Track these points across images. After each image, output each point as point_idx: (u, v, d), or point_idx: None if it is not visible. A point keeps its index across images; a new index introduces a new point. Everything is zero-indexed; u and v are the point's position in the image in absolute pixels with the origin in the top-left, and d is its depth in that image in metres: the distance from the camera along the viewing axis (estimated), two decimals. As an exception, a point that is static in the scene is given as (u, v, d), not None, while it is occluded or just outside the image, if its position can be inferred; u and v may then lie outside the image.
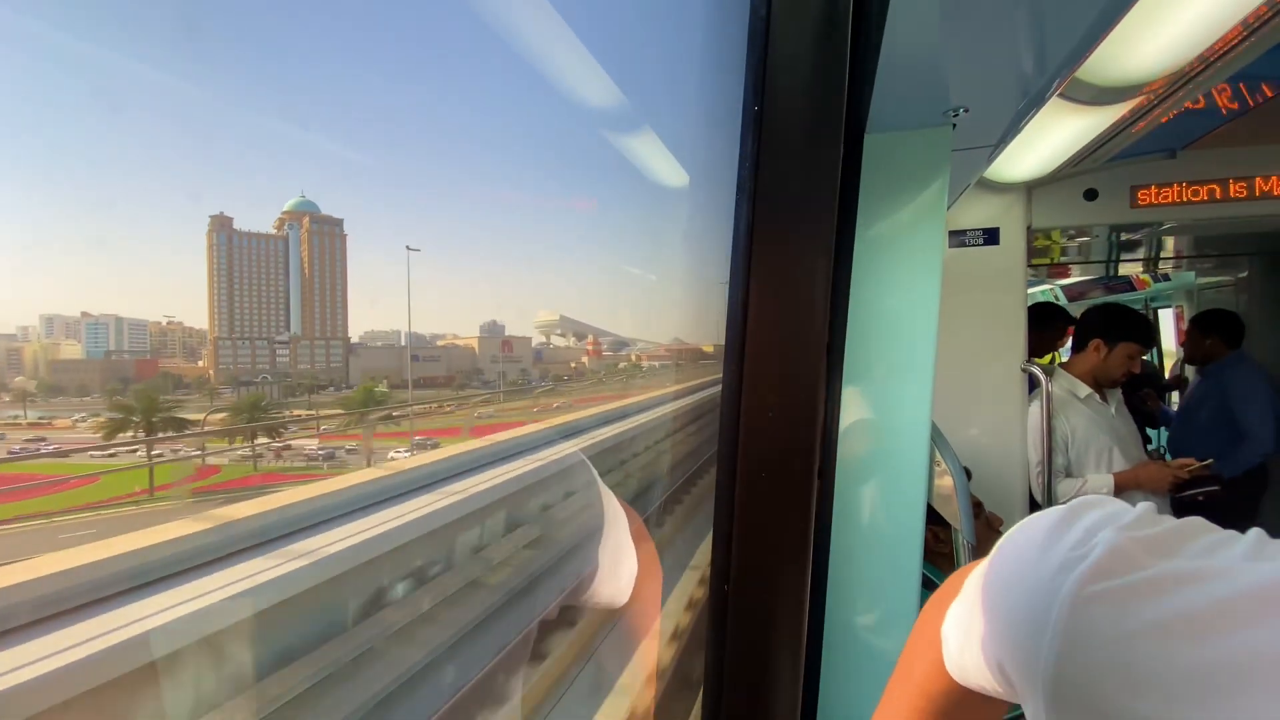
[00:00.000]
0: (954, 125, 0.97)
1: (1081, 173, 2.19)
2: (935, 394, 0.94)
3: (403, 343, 1.49)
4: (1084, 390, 2.29)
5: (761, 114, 0.61)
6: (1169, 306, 4.97)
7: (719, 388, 0.66)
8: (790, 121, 0.61)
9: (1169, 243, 3.08)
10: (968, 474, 1.99)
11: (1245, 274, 3.57)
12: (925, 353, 0.95)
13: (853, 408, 0.97)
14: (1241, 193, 2.15)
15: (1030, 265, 2.54)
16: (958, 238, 2.20)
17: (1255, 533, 0.35)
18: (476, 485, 0.84)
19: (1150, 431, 3.73)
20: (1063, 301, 5.06)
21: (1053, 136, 1.71)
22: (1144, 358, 2.41)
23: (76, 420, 1.05)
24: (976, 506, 1.75)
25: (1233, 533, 0.35)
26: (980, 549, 1.31)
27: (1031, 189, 2.21)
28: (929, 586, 1.18)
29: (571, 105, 0.99)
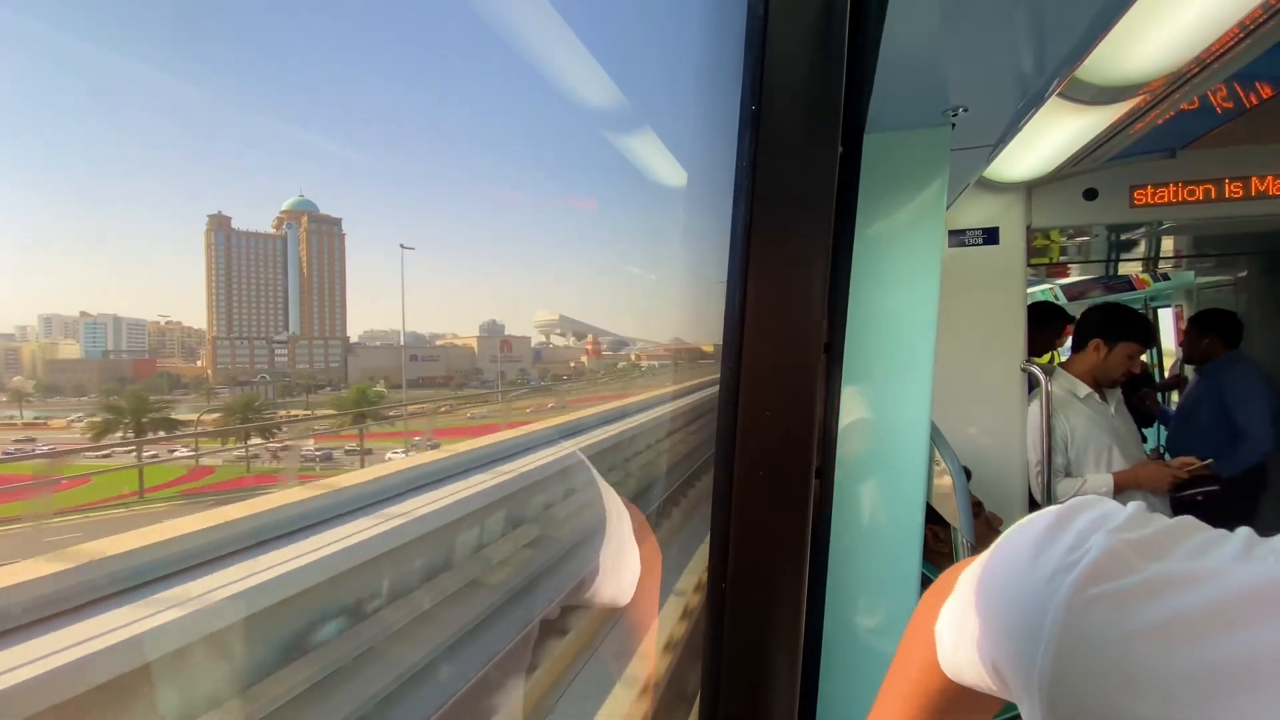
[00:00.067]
0: (953, 125, 0.97)
1: (1081, 172, 2.19)
2: (935, 393, 0.94)
3: (400, 342, 1.49)
4: (1084, 390, 2.29)
5: (758, 113, 0.61)
6: (1168, 306, 4.97)
7: (718, 387, 0.66)
8: (787, 121, 0.61)
9: (1168, 242, 3.08)
10: (967, 473, 1.99)
11: (1244, 273, 3.57)
12: (924, 352, 0.95)
13: (852, 407, 0.97)
14: (1240, 192, 2.15)
15: (1030, 265, 2.54)
16: (957, 237, 2.20)
17: (1244, 532, 0.35)
18: (470, 488, 0.83)
19: (1147, 431, 3.73)
20: (1062, 301, 5.06)
21: (1052, 136, 1.71)
22: (1142, 358, 2.41)
23: (72, 420, 1.05)
24: (976, 506, 1.75)
25: (1222, 531, 0.35)
26: (979, 548, 1.31)
27: (1031, 188, 2.21)
28: (928, 586, 1.18)
29: (569, 104, 0.99)
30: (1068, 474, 2.25)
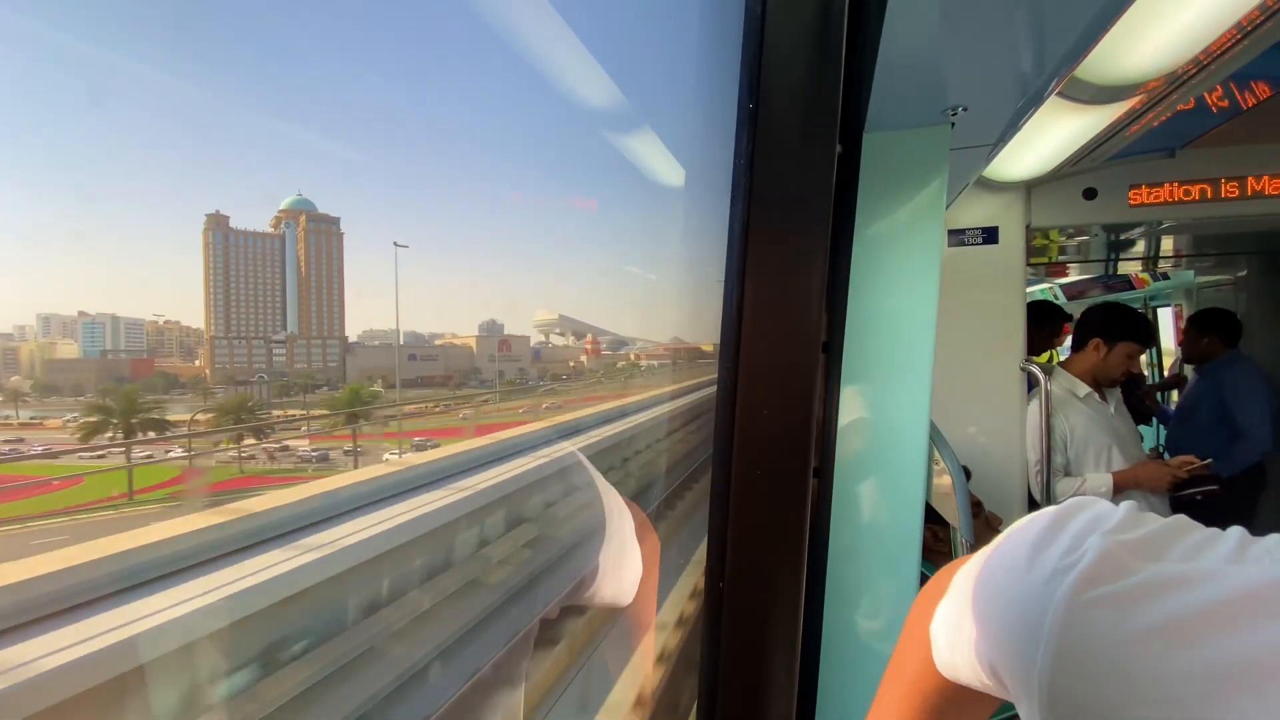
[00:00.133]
0: (952, 124, 0.97)
1: (1080, 172, 2.19)
2: (934, 393, 0.94)
3: (401, 341, 1.49)
4: (1083, 389, 2.29)
5: (756, 112, 0.61)
6: (1168, 305, 4.98)
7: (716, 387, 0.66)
8: (785, 120, 0.61)
9: (1167, 242, 3.08)
10: (966, 473, 1.99)
11: (1244, 273, 3.57)
12: (924, 352, 0.95)
13: (851, 407, 0.97)
14: (1239, 192, 2.15)
15: (1029, 264, 2.54)
16: (957, 237, 2.20)
17: (1237, 532, 0.35)
18: (462, 490, 0.83)
19: (1143, 429, 3.73)
20: (1062, 300, 5.06)
21: (1051, 135, 1.71)
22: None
23: (67, 421, 1.05)
24: (976, 505, 1.75)
25: (1215, 531, 0.36)
26: (978, 548, 1.31)
27: (1030, 188, 2.21)
28: (927, 586, 1.18)
29: (567, 103, 0.99)
30: (1067, 473, 2.25)
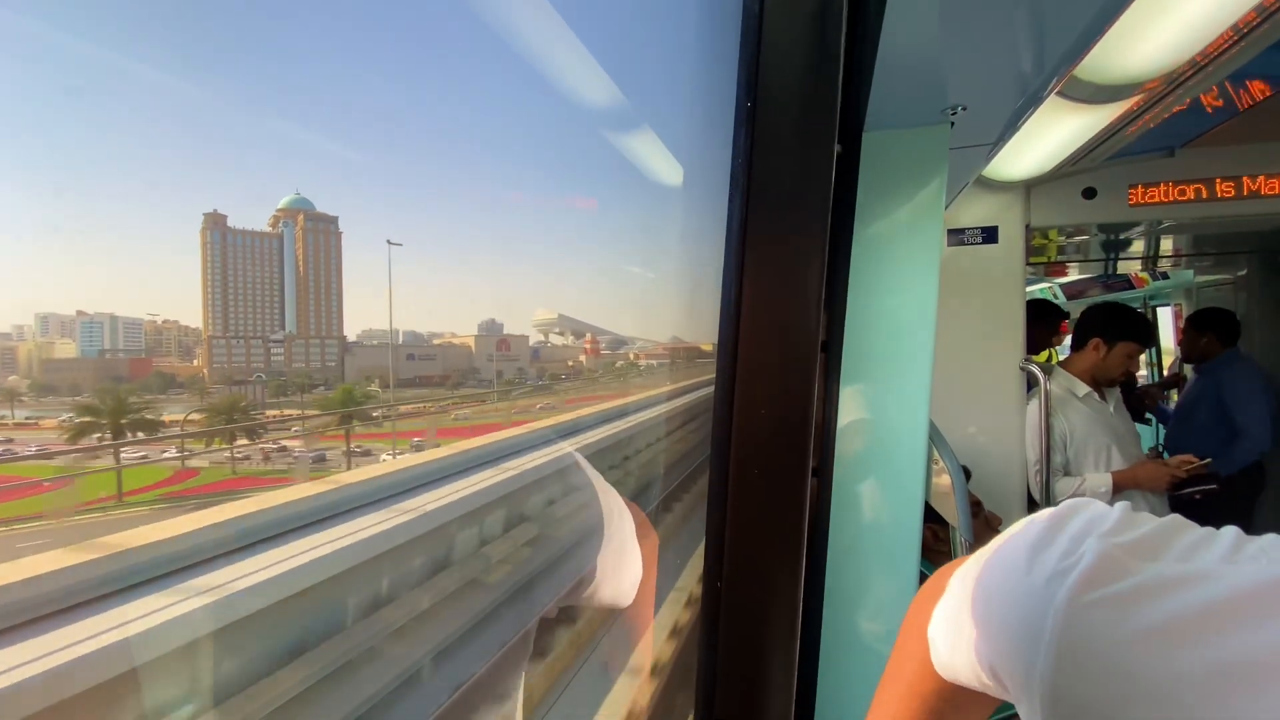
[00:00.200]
0: (952, 123, 0.97)
1: (1080, 171, 2.19)
2: (933, 392, 0.94)
3: (400, 341, 1.49)
4: (1083, 389, 2.29)
5: (754, 111, 0.61)
6: (1167, 305, 4.97)
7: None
8: (783, 119, 0.61)
9: (1167, 241, 3.08)
10: (966, 473, 1.99)
11: (1244, 272, 3.57)
12: (923, 351, 0.95)
13: (851, 406, 0.97)
14: (1240, 191, 2.15)
15: (1028, 264, 2.54)
16: (956, 236, 2.20)
17: (1232, 531, 0.35)
18: (455, 493, 0.83)
19: (1143, 430, 3.73)
20: (1061, 300, 5.06)
21: (1051, 135, 1.71)
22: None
23: (63, 421, 1.04)
24: (975, 505, 1.75)
25: (1210, 530, 0.36)
26: (978, 547, 1.31)
27: (1030, 187, 2.21)
28: (926, 585, 1.17)
29: (565, 101, 0.98)
30: (1066, 473, 2.25)
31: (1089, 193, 2.25)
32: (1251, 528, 0.35)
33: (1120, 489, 2.20)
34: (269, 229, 1.42)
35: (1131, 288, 4.77)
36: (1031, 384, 2.20)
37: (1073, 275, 4.52)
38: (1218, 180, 2.16)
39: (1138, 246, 3.12)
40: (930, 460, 1.04)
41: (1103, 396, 2.33)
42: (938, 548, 1.64)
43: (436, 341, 1.58)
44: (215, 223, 1.26)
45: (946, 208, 1.63)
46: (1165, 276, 4.34)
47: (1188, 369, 3.51)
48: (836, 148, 0.66)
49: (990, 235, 2.18)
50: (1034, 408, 2.17)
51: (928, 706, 0.49)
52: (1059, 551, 0.37)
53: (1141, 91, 1.40)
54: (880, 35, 0.71)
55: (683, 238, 1.01)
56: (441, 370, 1.54)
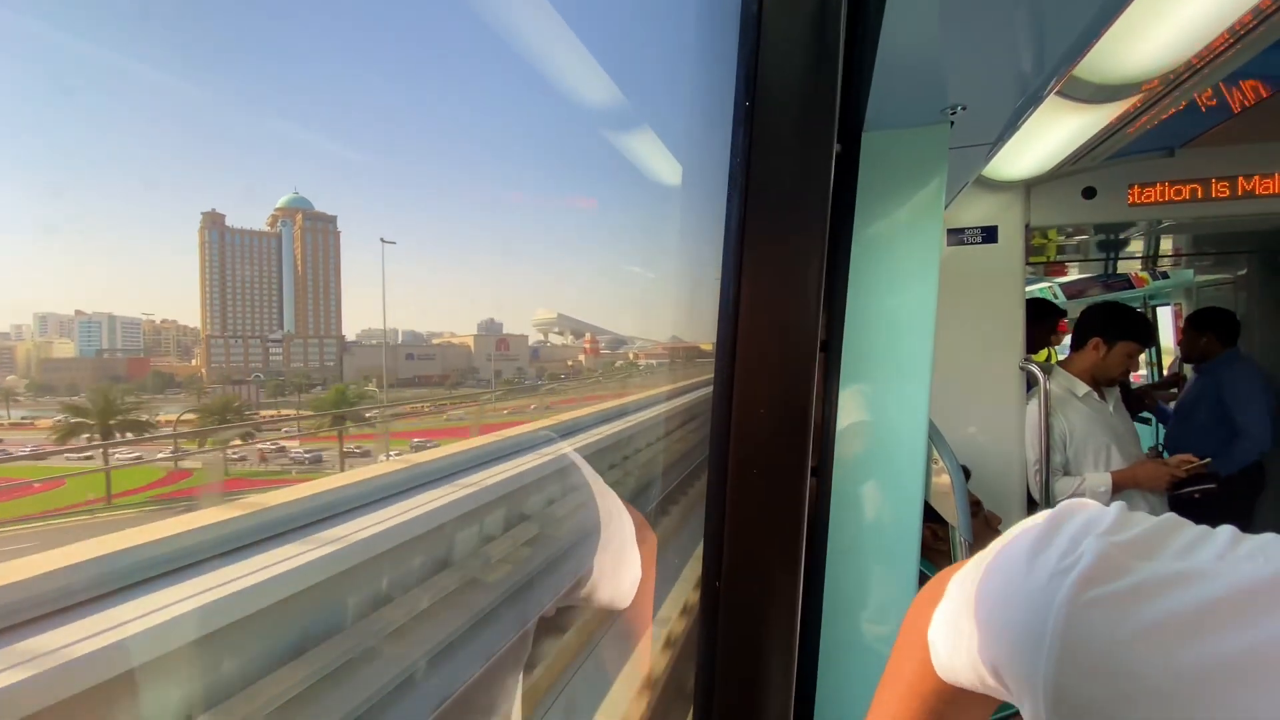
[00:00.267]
0: (952, 123, 0.97)
1: (1080, 171, 2.19)
2: (933, 392, 0.94)
3: (399, 340, 1.48)
4: (1082, 388, 2.29)
5: (753, 111, 0.60)
6: (1167, 304, 4.97)
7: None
8: (782, 119, 0.61)
9: (1167, 241, 3.08)
10: (966, 472, 1.99)
11: (1244, 271, 3.57)
12: (923, 351, 0.95)
13: (851, 406, 0.97)
14: (1239, 191, 2.15)
15: (1028, 263, 2.54)
16: (956, 236, 2.20)
17: (1228, 530, 0.36)
18: (455, 492, 0.83)
19: (1142, 429, 3.73)
20: (1061, 299, 5.06)
21: (1051, 134, 1.71)
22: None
23: (58, 421, 1.04)
24: (975, 505, 1.75)
25: (1206, 529, 0.37)
26: (978, 547, 1.31)
27: (1030, 187, 2.21)
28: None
29: (564, 101, 0.98)
30: (1066, 472, 2.25)
31: (1089, 192, 2.25)
32: (1251, 528, 0.35)
33: (1120, 489, 2.20)
34: (267, 228, 1.42)
35: (1131, 287, 4.77)
36: (1031, 383, 2.20)
37: (1072, 275, 4.52)
38: (1217, 180, 2.16)
39: (1137, 246, 3.12)
40: (930, 460, 1.03)
41: (1102, 396, 2.33)
42: (937, 547, 1.63)
43: (436, 341, 1.58)
44: (213, 222, 1.26)
45: (946, 207, 1.63)
46: (1165, 276, 4.34)
47: (1188, 369, 3.51)
48: (836, 147, 0.65)
49: (990, 235, 2.18)
50: (1033, 407, 2.17)
51: (928, 707, 0.50)
52: (1058, 552, 0.38)
53: (1142, 91, 1.40)
54: (880, 35, 0.71)
55: (682, 237, 1.01)
56: (441, 370, 1.54)
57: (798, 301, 0.62)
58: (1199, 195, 2.18)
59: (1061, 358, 2.77)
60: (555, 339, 1.75)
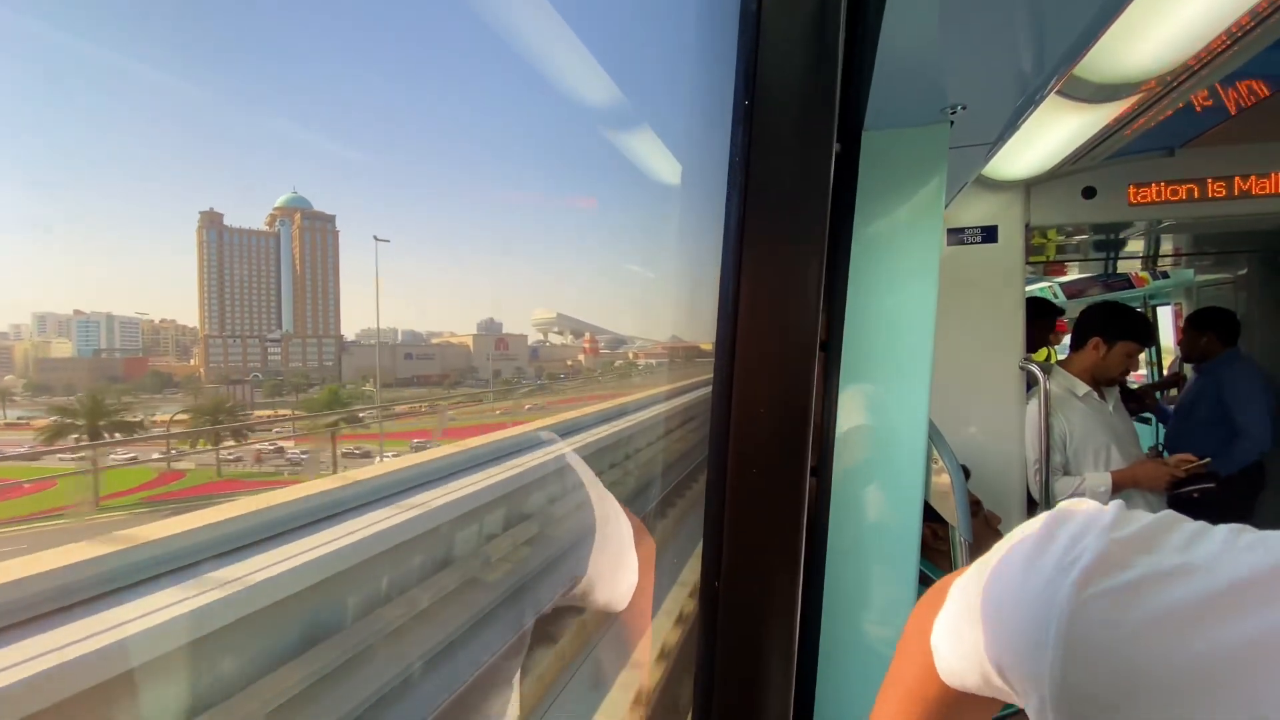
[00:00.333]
0: (951, 122, 0.97)
1: (1080, 170, 2.19)
2: (933, 392, 0.94)
3: (399, 340, 1.48)
4: (1082, 388, 2.29)
5: (752, 110, 0.60)
6: (1167, 304, 4.97)
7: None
8: (781, 118, 0.60)
9: (1167, 240, 3.08)
10: (966, 472, 1.99)
11: (1244, 271, 3.57)
12: (923, 351, 0.95)
13: (850, 406, 0.97)
14: (1239, 190, 2.15)
15: (1028, 263, 2.54)
16: (956, 235, 2.19)
17: (1227, 526, 0.36)
18: (450, 493, 0.83)
19: (1142, 429, 3.72)
20: (1061, 299, 5.06)
21: (1051, 134, 1.71)
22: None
23: (52, 421, 1.04)
24: (975, 504, 1.75)
25: (1204, 524, 0.37)
26: (977, 546, 1.31)
27: (1030, 187, 2.21)
28: (926, 583, 1.17)
29: (563, 100, 0.98)
30: (1066, 472, 2.24)
31: (1089, 192, 2.25)
32: (1252, 527, 0.35)
33: (1119, 488, 2.20)
34: (266, 227, 1.41)
35: (1131, 287, 4.77)
36: (1031, 383, 2.20)
37: (1072, 274, 4.52)
38: (1217, 180, 2.16)
39: (1137, 246, 3.12)
40: (930, 459, 1.03)
41: (1102, 396, 2.33)
42: (937, 546, 1.63)
43: (435, 341, 1.57)
44: (211, 221, 1.26)
45: (946, 207, 1.63)
46: (1165, 276, 4.34)
47: (1188, 368, 3.51)
48: (836, 147, 0.65)
49: (990, 234, 2.18)
50: (1033, 407, 2.17)
51: (930, 711, 0.50)
52: (1059, 550, 0.38)
53: (1142, 90, 1.40)
54: (880, 34, 0.71)
55: (681, 236, 1.01)
56: (440, 369, 1.53)
57: (798, 301, 0.62)
58: (1199, 195, 2.18)
59: (1061, 357, 2.76)
60: (555, 338, 1.75)
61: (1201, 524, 0.37)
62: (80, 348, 1.12)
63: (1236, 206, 2.16)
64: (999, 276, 2.18)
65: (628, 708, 1.25)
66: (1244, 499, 2.82)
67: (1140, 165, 2.22)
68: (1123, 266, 4.06)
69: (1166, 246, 3.22)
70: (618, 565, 0.81)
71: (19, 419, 1.00)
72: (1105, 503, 0.41)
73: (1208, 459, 2.37)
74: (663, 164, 1.05)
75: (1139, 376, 4.83)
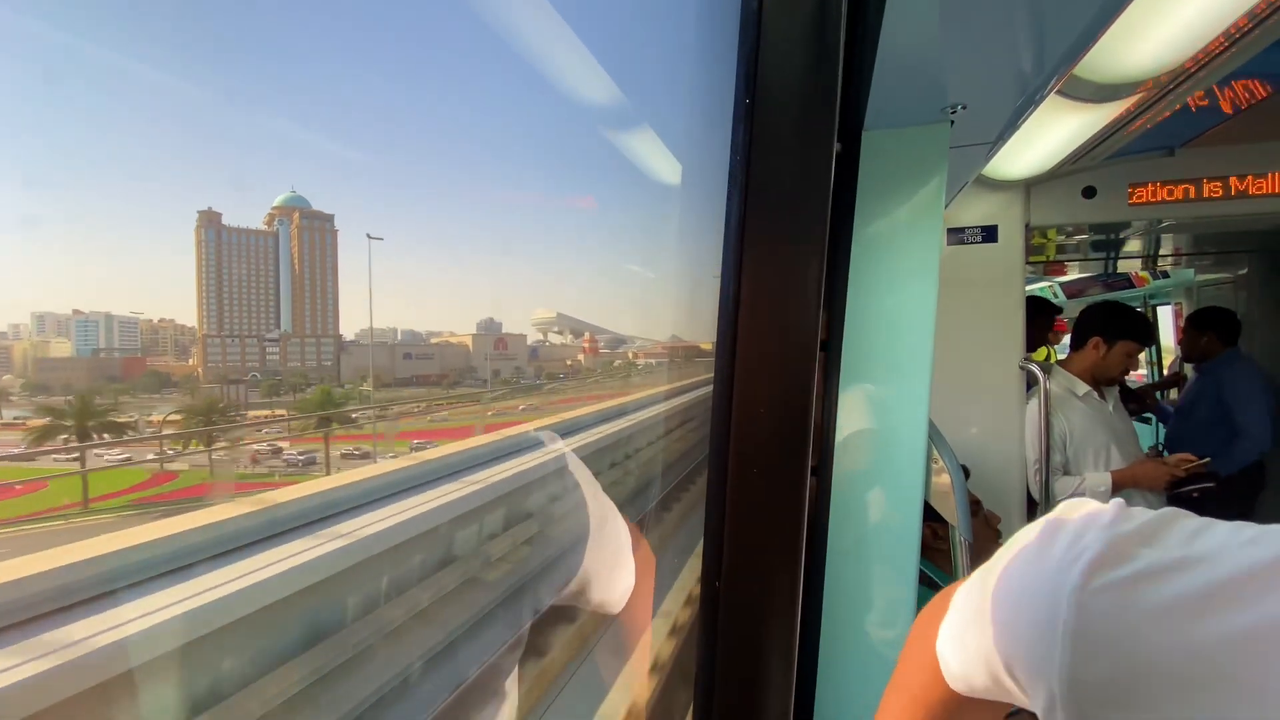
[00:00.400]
0: (952, 122, 0.97)
1: (1080, 170, 2.19)
2: (933, 392, 0.94)
3: (398, 339, 1.48)
4: (1082, 388, 2.29)
5: (753, 109, 0.60)
6: (1168, 304, 4.97)
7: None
8: (781, 117, 0.60)
9: (1167, 240, 3.08)
10: (966, 472, 1.99)
11: (1244, 271, 3.57)
12: (923, 350, 0.94)
13: (850, 406, 0.97)
14: (1240, 190, 2.15)
15: (1028, 262, 2.54)
16: (956, 235, 2.19)
17: (1229, 523, 0.36)
18: (446, 495, 0.82)
19: (1142, 429, 3.72)
20: (1061, 299, 5.06)
21: (1051, 134, 1.71)
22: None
23: (46, 422, 1.03)
24: (975, 504, 1.75)
25: (1206, 519, 0.37)
26: (977, 546, 1.31)
27: (1030, 186, 2.21)
28: (926, 583, 1.17)
29: (564, 100, 0.98)
30: (1066, 472, 2.24)
31: (1089, 192, 2.25)
32: None
33: (1119, 488, 2.20)
34: (264, 227, 1.41)
35: (1132, 286, 4.77)
36: (1031, 383, 2.20)
37: (1072, 274, 4.52)
38: (1217, 179, 2.16)
39: (1137, 245, 3.12)
40: (930, 459, 1.03)
41: (1102, 396, 2.33)
42: (937, 546, 1.63)
43: (434, 340, 1.57)
44: (210, 220, 1.25)
45: (946, 207, 1.62)
46: (1165, 275, 4.34)
47: (1188, 368, 3.51)
48: (836, 146, 0.65)
49: (990, 234, 2.18)
50: (1033, 407, 2.17)
51: (934, 715, 0.50)
52: (1063, 546, 0.38)
53: (1142, 90, 1.40)
54: (880, 33, 0.70)
55: (681, 236, 1.01)
56: (439, 369, 1.53)
57: (798, 301, 0.62)
58: (1198, 195, 2.18)
59: (1061, 357, 2.77)
60: (554, 338, 1.75)
61: (1204, 519, 0.37)
62: (79, 347, 1.12)
63: (1236, 206, 2.16)
64: (999, 276, 2.18)
65: (628, 707, 1.25)
66: (1244, 499, 2.82)
67: (1140, 165, 2.22)
68: (1123, 266, 4.06)
69: (1166, 246, 3.23)
70: (618, 565, 0.81)
71: (15, 419, 0.99)
72: (1105, 502, 0.41)
73: (1207, 459, 2.37)
74: (663, 164, 1.04)
75: (1139, 376, 4.83)
